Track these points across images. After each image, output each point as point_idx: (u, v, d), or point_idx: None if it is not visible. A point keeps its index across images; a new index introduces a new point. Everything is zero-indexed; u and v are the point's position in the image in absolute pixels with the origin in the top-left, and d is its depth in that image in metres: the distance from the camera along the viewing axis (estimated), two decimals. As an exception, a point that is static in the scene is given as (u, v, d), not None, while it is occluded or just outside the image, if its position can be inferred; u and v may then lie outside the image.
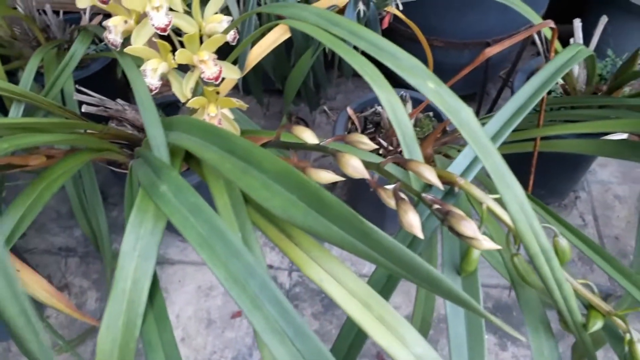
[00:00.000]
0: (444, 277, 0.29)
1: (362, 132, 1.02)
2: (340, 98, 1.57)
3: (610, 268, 0.47)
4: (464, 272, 0.46)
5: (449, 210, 0.39)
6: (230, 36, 0.60)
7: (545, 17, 1.46)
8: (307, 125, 1.49)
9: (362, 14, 0.65)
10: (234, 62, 0.80)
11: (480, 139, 0.38)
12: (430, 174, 0.42)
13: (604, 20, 0.88)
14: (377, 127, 1.00)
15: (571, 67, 0.56)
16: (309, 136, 0.50)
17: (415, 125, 0.97)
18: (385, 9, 0.66)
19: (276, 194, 0.35)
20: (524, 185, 1.22)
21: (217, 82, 0.55)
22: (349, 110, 1.04)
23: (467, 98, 0.99)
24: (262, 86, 1.09)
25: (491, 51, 0.55)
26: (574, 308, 0.43)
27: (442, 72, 1.28)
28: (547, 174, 1.16)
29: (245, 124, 0.83)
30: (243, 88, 1.01)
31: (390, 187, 0.42)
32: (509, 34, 1.08)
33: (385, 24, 0.68)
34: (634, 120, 0.55)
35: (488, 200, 0.41)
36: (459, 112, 0.38)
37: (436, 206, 0.40)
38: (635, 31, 1.21)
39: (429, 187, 0.49)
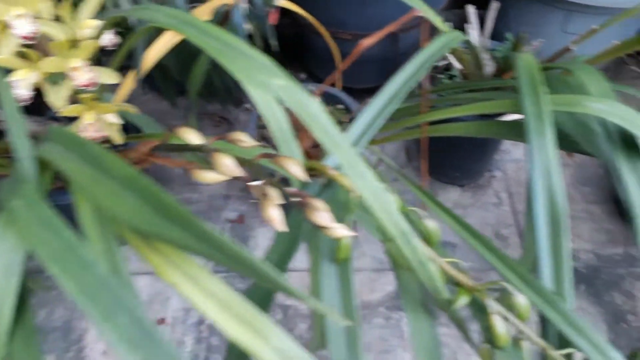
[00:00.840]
0: (266, 267, 0.30)
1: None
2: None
3: (481, 246, 0.49)
4: (338, 260, 0.48)
5: (305, 201, 0.41)
6: (109, 41, 0.59)
7: (452, 4, 1.50)
8: (230, 123, 1.49)
9: (246, 11, 0.65)
10: (128, 66, 0.79)
11: (330, 132, 0.39)
12: (294, 168, 0.43)
13: (495, 5, 0.91)
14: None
15: (444, 53, 0.58)
16: (193, 137, 0.50)
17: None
18: (274, 4, 0.66)
19: (124, 200, 0.35)
20: (435, 167, 1.25)
21: (92, 89, 0.54)
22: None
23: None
24: (174, 87, 1.08)
25: (365, 43, 0.56)
26: (439, 287, 0.44)
27: (354, 63, 1.30)
28: (459, 156, 1.20)
29: (151, 127, 0.82)
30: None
31: (257, 183, 0.43)
32: (412, 24, 1.11)
33: (273, 20, 0.68)
34: (509, 100, 0.58)
35: (354, 189, 0.43)
36: (308, 107, 0.39)
37: (295, 198, 0.41)
38: (536, 15, 1.26)
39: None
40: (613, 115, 0.47)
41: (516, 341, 0.45)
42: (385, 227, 0.42)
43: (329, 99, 1.07)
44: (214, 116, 1.48)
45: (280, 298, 1.10)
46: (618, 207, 1.23)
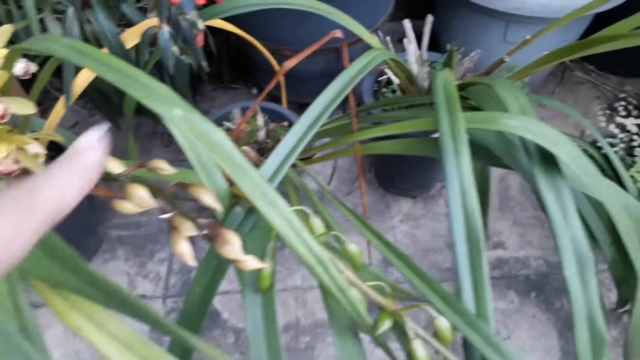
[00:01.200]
0: (142, 303, 0.28)
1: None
2: (215, 112, 1.55)
3: (405, 268, 0.49)
4: (262, 289, 0.47)
5: (214, 234, 0.40)
6: (21, 70, 0.57)
7: (397, 16, 1.52)
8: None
9: (167, 35, 0.64)
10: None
11: (235, 159, 0.38)
12: (207, 197, 0.42)
13: (429, 19, 0.92)
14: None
15: (366, 72, 0.58)
16: (113, 166, 0.49)
17: (267, 136, 0.98)
18: (199, 27, 0.65)
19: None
20: (386, 180, 1.25)
21: (2, 120, 0.52)
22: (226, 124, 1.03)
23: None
24: (115, 109, 1.05)
25: (287, 65, 0.56)
26: (360, 312, 0.44)
27: (301, 79, 1.30)
28: (408, 168, 1.21)
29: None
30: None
31: (166, 215, 0.42)
32: (351, 40, 1.11)
33: (200, 42, 0.67)
34: (431, 118, 0.58)
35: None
36: (210, 136, 0.38)
37: (205, 231, 0.40)
38: (478, 25, 1.28)
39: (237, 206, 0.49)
40: (527, 131, 0.48)
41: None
42: (301, 256, 0.41)
43: (274, 116, 1.06)
44: (164, 136, 1.46)
45: (232, 320, 1.08)
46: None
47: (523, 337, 1.04)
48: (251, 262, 0.39)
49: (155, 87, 0.39)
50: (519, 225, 1.23)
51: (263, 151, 0.97)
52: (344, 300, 0.43)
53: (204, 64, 0.71)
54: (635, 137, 0.90)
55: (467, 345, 0.45)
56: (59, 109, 0.81)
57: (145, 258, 1.20)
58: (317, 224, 0.49)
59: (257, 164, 0.85)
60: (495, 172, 1.35)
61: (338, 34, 0.56)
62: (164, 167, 0.48)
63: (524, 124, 0.48)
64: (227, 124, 1.02)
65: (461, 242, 0.45)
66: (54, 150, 0.94)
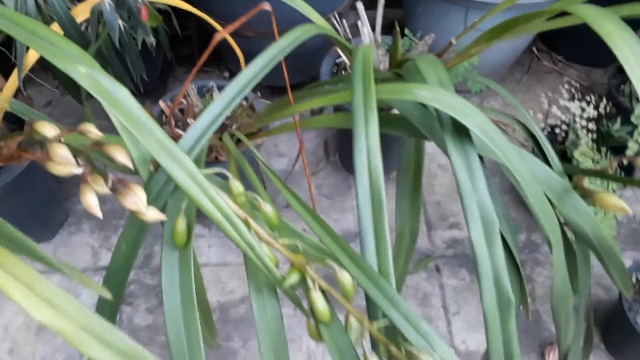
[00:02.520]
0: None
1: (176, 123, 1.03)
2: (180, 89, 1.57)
3: (321, 230, 0.51)
4: (178, 245, 0.49)
5: (120, 188, 0.42)
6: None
7: (369, 5, 1.53)
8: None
9: (109, 8, 0.65)
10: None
11: (136, 116, 0.40)
12: (120, 155, 0.44)
13: (382, 2, 0.94)
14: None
15: (294, 45, 0.60)
16: (47, 130, 0.51)
17: (230, 117, 0.99)
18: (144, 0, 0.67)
19: None
20: (349, 160, 1.26)
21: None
22: (162, 103, 1.05)
23: (299, 86, 1.02)
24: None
25: (219, 35, 0.58)
26: (269, 266, 0.46)
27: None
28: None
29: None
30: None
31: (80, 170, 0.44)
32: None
33: (144, 17, 0.69)
34: (348, 91, 0.59)
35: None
36: (114, 93, 0.40)
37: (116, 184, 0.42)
38: (440, 11, 1.30)
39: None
40: (438, 102, 0.50)
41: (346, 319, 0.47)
42: (207, 212, 0.43)
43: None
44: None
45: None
46: (521, 196, 1.28)
47: (472, 312, 1.07)
48: (151, 214, 0.41)
49: (61, 44, 0.41)
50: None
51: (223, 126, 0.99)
52: (252, 254, 0.45)
53: (150, 40, 0.72)
54: (579, 119, 0.93)
55: (368, 301, 0.48)
56: (13, 81, 0.83)
57: (109, 232, 1.22)
58: (237, 186, 0.51)
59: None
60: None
61: (266, 6, 0.58)
62: (91, 131, 0.50)
63: (435, 95, 0.51)
64: (168, 102, 1.04)
65: (365, 204, 0.48)
66: (11, 123, 0.96)
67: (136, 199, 0.41)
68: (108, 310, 0.51)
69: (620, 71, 1.28)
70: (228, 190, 0.51)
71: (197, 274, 0.63)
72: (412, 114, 0.58)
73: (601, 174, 0.65)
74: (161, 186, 0.53)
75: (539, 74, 1.68)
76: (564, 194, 0.62)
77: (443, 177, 1.34)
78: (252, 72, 0.57)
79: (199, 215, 0.97)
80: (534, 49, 1.72)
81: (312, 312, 0.46)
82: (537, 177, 0.60)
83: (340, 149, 1.40)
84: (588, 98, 1.03)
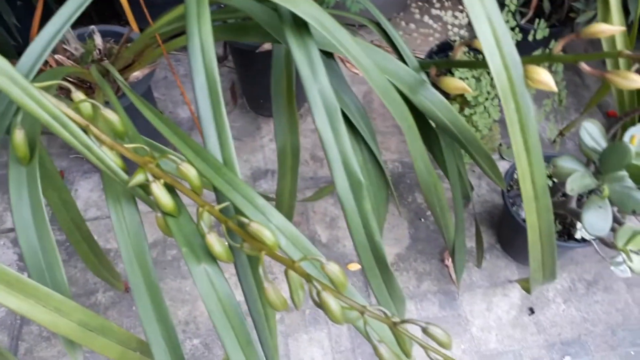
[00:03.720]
0: None
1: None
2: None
3: (162, 126, 0.52)
4: (22, 159, 0.49)
5: None
6: None
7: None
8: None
9: None
10: None
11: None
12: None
13: None
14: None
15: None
16: None
17: (104, 55, 0.98)
18: None
19: None
20: (255, 101, 1.26)
21: None
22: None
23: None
24: None
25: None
26: (111, 166, 0.47)
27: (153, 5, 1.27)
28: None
29: None
30: None
31: None
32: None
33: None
34: None
35: None
36: None
37: None
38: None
39: None
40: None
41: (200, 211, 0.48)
42: (31, 112, 0.43)
43: (118, 37, 1.06)
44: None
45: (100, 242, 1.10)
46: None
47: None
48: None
49: None
50: (380, 133, 1.30)
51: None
52: (91, 156, 0.46)
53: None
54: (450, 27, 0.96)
55: (217, 194, 0.49)
56: None
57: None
58: (79, 96, 0.51)
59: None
60: (360, 88, 1.40)
61: None
62: None
63: (267, -13, 0.51)
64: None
65: (204, 98, 0.49)
66: None
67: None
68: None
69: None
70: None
71: (69, 199, 0.63)
72: (259, 16, 0.59)
73: (449, 63, 0.69)
74: (5, 106, 0.53)
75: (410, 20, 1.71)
76: (418, 86, 0.64)
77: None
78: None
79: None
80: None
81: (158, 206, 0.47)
82: (386, 70, 0.63)
83: (247, 91, 1.40)
84: (461, 7, 1.07)
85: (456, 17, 0.96)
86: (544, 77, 0.48)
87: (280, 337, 0.97)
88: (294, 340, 0.97)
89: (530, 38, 1.00)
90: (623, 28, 0.50)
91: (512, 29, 0.98)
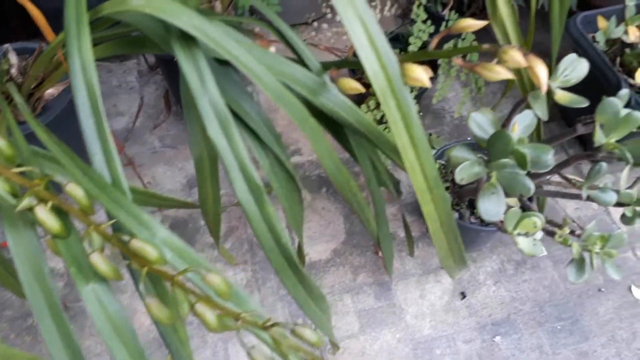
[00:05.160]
0: None
1: None
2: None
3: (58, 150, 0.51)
4: None
5: None
6: None
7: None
8: None
9: None
10: None
11: None
12: None
13: None
14: None
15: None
16: None
17: (22, 73, 0.96)
18: None
19: None
20: None
21: None
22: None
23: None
24: None
25: None
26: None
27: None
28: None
29: None
30: None
31: None
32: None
33: None
34: None
35: None
36: None
37: None
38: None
39: None
40: (148, 7, 0.51)
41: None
42: None
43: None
44: None
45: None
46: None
47: (313, 227, 1.13)
48: None
49: None
50: (301, 137, 1.31)
51: (20, 86, 0.95)
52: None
53: None
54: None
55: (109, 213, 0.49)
56: None
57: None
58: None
59: None
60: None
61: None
62: None
63: (146, 1, 0.52)
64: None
65: (86, 114, 0.49)
66: None
67: None
68: None
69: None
70: None
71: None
72: (149, 30, 0.59)
73: (342, 63, 0.70)
74: None
75: None
76: (319, 89, 0.66)
77: (283, 111, 1.38)
78: None
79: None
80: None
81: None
82: (284, 74, 0.64)
83: (179, 99, 1.39)
84: (373, 3, 1.09)
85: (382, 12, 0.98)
86: (419, 74, 0.50)
87: (219, 343, 0.97)
88: (233, 345, 0.97)
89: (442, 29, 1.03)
90: (486, 22, 0.52)
91: (425, 21, 1.00)
